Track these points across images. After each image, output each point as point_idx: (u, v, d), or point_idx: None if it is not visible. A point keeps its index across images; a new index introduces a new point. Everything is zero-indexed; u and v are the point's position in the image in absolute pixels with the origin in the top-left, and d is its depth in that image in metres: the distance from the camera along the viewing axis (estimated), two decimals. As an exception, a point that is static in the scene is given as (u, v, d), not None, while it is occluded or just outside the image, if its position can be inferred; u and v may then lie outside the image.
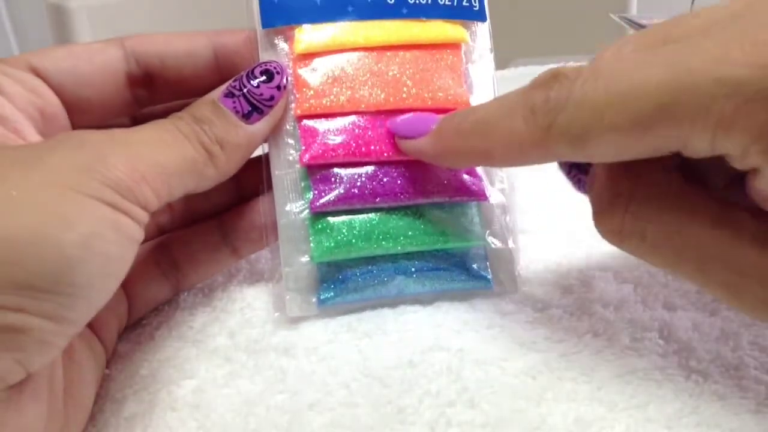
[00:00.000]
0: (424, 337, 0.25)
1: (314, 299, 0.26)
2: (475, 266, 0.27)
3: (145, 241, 0.23)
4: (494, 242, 0.27)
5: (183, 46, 0.26)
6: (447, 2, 0.28)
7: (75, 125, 0.25)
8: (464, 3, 0.28)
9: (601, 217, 0.22)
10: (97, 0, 0.72)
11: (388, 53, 0.27)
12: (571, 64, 0.24)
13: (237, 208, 0.27)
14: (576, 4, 0.88)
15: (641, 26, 0.54)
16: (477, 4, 0.28)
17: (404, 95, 0.26)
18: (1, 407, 0.18)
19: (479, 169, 0.27)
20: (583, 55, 0.25)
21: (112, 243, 0.19)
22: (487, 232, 0.27)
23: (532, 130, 0.20)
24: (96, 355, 0.24)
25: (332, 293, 0.25)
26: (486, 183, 0.27)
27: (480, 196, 0.27)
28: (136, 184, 0.20)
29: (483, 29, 0.29)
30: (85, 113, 0.25)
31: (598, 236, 0.29)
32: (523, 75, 0.49)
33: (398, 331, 0.25)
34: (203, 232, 0.27)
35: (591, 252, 0.29)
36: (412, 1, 0.27)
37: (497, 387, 0.23)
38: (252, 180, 0.27)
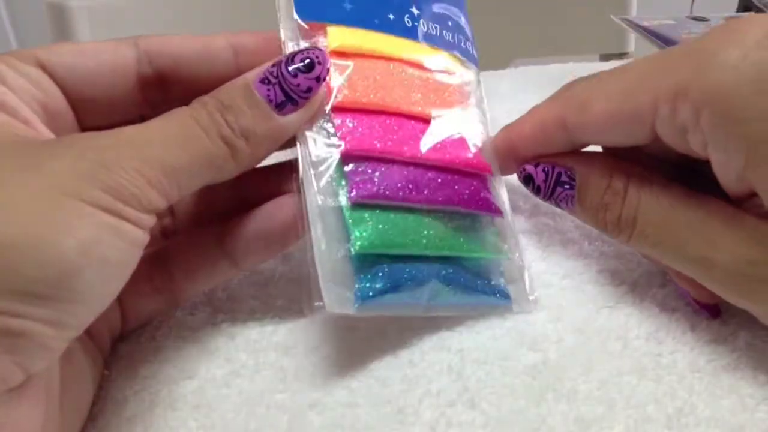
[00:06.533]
0: (424, 337, 0.25)
1: (352, 297, 0.24)
2: (495, 281, 0.26)
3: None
4: (512, 258, 0.27)
5: (199, 47, 0.25)
6: (450, 39, 0.29)
7: (81, 123, 0.24)
8: (462, 45, 0.30)
9: (602, 215, 0.25)
10: (97, 0, 0.72)
11: (414, 69, 0.28)
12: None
13: (239, 218, 0.25)
14: (576, 4, 0.88)
15: (642, 28, 0.54)
16: (472, 50, 0.30)
17: (428, 107, 0.27)
18: (0, 409, 0.18)
19: (490, 187, 0.28)
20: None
21: (113, 248, 0.19)
22: (506, 246, 0.27)
23: (550, 107, 0.26)
24: (93, 359, 0.24)
25: (371, 292, 0.23)
26: (498, 199, 0.27)
27: (496, 211, 0.27)
28: (139, 190, 0.20)
29: (476, 74, 0.30)
30: (90, 112, 0.24)
31: (595, 236, 0.30)
32: (523, 75, 0.49)
33: (398, 331, 0.25)
34: (201, 243, 0.26)
35: (590, 253, 0.29)
36: (425, 29, 0.29)
37: (497, 387, 0.23)
38: (257, 186, 0.26)
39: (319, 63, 0.23)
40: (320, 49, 0.24)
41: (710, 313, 0.25)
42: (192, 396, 0.23)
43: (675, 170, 0.25)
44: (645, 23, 0.54)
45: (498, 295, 0.26)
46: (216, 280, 0.26)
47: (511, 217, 0.28)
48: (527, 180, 0.27)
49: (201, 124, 0.22)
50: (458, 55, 0.30)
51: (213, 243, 0.25)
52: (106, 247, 0.19)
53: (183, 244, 0.26)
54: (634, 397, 0.22)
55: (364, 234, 0.24)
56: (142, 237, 0.20)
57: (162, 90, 0.25)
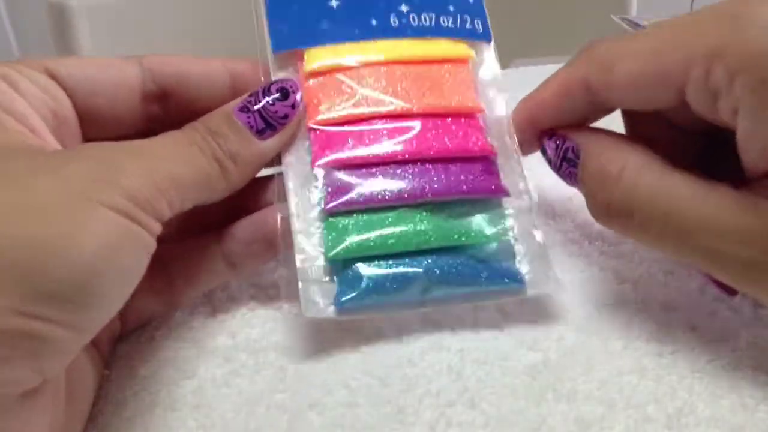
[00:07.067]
0: (424, 336, 0.25)
1: (332, 301, 0.24)
2: (505, 265, 0.25)
3: None
4: (522, 238, 0.26)
5: (200, 68, 0.26)
6: (450, 25, 0.29)
7: (85, 134, 0.25)
8: (467, 26, 0.29)
9: (592, 198, 0.24)
10: (97, 0, 0.72)
11: (398, 66, 0.27)
12: None
13: (238, 221, 0.26)
14: (576, 4, 0.88)
15: (642, 27, 0.54)
16: (480, 27, 0.29)
17: (415, 101, 0.27)
18: (13, 412, 0.18)
19: (494, 167, 0.27)
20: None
21: (130, 254, 0.20)
22: (514, 227, 0.26)
23: (573, 69, 0.25)
24: (94, 361, 0.24)
25: (351, 295, 0.24)
26: (506, 179, 0.27)
27: (499, 191, 0.26)
28: (152, 196, 0.20)
29: (489, 50, 0.29)
30: (95, 123, 0.25)
31: (595, 236, 0.30)
32: (523, 75, 0.49)
33: (398, 330, 0.25)
34: (200, 246, 0.26)
35: (590, 252, 0.29)
36: (416, 24, 0.28)
37: (497, 387, 0.23)
38: (252, 194, 0.27)
39: (293, 92, 0.25)
40: (292, 79, 0.26)
41: (728, 291, 0.25)
42: (192, 396, 0.23)
43: (693, 142, 0.25)
44: (645, 23, 0.54)
45: (508, 279, 0.25)
46: (214, 283, 0.27)
47: (533, 193, 0.27)
48: (543, 150, 0.27)
49: (197, 145, 0.23)
50: (460, 38, 0.29)
51: (212, 246, 0.26)
52: (124, 252, 0.19)
53: (182, 247, 0.26)
54: (635, 397, 0.22)
55: (336, 241, 0.24)
56: (152, 244, 0.21)
57: (163, 105, 0.26)
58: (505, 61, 0.30)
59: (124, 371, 0.25)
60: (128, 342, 0.26)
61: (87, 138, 0.25)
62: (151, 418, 0.23)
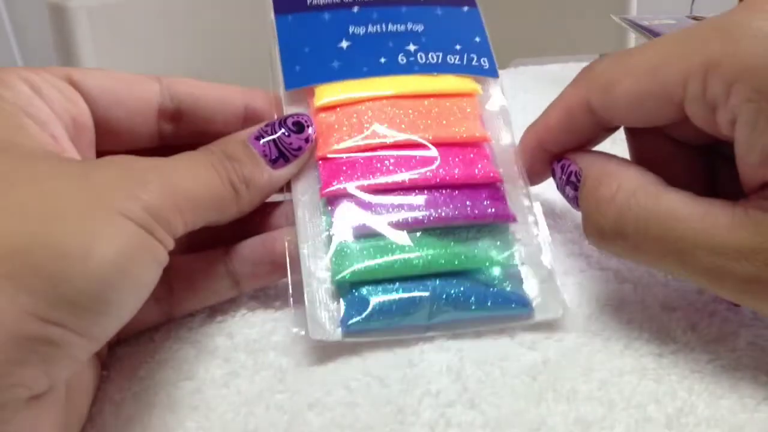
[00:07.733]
0: (424, 337, 0.25)
1: (338, 324, 0.24)
2: (512, 289, 0.25)
3: None
4: (530, 263, 0.26)
5: (217, 93, 0.27)
6: (457, 62, 0.30)
7: (99, 144, 0.25)
8: (474, 63, 0.30)
9: (586, 221, 0.24)
10: (97, 0, 0.72)
11: (405, 100, 0.28)
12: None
13: (246, 240, 0.26)
14: (576, 4, 0.88)
15: (642, 27, 0.54)
16: (487, 64, 0.30)
17: (423, 132, 0.27)
18: (20, 415, 0.18)
19: (502, 194, 0.27)
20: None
21: (144, 265, 0.20)
22: (521, 252, 0.26)
23: (574, 91, 0.26)
24: (92, 366, 0.24)
25: (357, 318, 0.24)
26: (513, 205, 0.27)
27: (506, 217, 0.26)
28: (170, 212, 0.21)
29: (495, 85, 0.30)
30: (110, 134, 0.25)
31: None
32: (523, 75, 0.49)
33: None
34: (205, 262, 0.26)
35: (591, 252, 0.29)
36: (423, 62, 0.29)
37: (497, 387, 0.23)
38: (260, 215, 0.27)
39: (307, 126, 0.26)
40: (307, 114, 0.27)
41: (732, 302, 0.25)
42: (191, 397, 0.23)
43: (696, 157, 0.25)
44: (645, 23, 0.54)
45: (515, 304, 0.25)
46: (215, 299, 0.27)
47: (540, 219, 0.27)
48: (552, 174, 0.27)
49: (215, 167, 0.24)
50: (467, 74, 0.30)
51: (217, 262, 0.26)
52: (140, 265, 0.20)
53: (187, 260, 0.26)
54: (634, 397, 0.22)
55: (346, 266, 0.24)
56: (165, 258, 0.21)
57: (176, 125, 0.27)
58: (505, 61, 0.31)
59: (123, 372, 0.25)
60: (127, 343, 0.26)
61: (100, 149, 0.25)
62: (150, 419, 0.23)
